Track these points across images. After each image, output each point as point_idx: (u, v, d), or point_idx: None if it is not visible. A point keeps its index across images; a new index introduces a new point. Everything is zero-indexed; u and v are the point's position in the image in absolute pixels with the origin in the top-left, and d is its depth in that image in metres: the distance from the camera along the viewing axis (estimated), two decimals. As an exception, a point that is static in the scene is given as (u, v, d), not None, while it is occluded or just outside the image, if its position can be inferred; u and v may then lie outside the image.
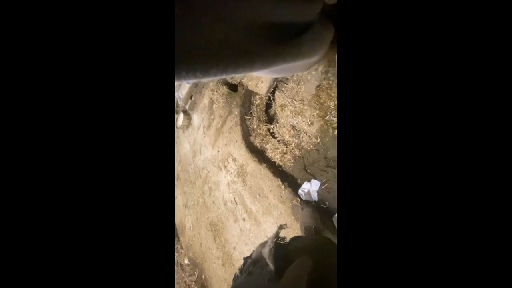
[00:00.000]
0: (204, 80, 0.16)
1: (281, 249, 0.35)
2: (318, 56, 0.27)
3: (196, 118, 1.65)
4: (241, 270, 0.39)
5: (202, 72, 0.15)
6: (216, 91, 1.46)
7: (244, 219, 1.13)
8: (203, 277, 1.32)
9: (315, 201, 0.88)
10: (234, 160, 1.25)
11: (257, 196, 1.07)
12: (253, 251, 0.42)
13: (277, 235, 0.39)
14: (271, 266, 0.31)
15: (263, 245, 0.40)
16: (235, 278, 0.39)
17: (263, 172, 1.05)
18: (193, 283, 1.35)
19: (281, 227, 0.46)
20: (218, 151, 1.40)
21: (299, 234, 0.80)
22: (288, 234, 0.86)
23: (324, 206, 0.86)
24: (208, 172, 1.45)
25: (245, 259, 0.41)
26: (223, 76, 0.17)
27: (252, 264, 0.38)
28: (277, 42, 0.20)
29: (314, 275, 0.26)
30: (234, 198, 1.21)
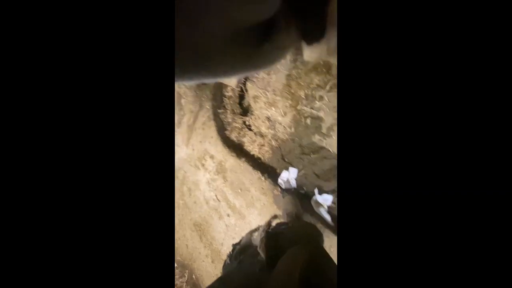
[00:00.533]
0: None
1: (273, 238, 0.35)
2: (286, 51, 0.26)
3: (163, 115, 1.50)
4: (230, 257, 0.39)
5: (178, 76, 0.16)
6: (183, 84, 1.34)
7: (228, 215, 1.13)
8: (193, 276, 1.31)
9: (294, 188, 0.93)
10: (212, 157, 1.21)
11: (239, 190, 1.07)
12: (242, 237, 0.42)
13: (268, 224, 0.40)
14: (263, 255, 0.32)
15: (252, 231, 0.40)
16: (225, 266, 0.39)
17: (242, 166, 1.04)
18: (185, 283, 1.33)
19: (275, 217, 0.47)
20: (193, 149, 1.33)
21: (283, 220, 0.84)
22: (274, 221, 0.90)
23: (303, 192, 0.91)
24: (185, 172, 1.38)
25: (234, 245, 0.41)
26: (194, 81, 0.18)
27: (242, 251, 0.38)
28: (249, 47, 0.20)
29: (307, 265, 0.27)
30: (216, 195, 1.18)
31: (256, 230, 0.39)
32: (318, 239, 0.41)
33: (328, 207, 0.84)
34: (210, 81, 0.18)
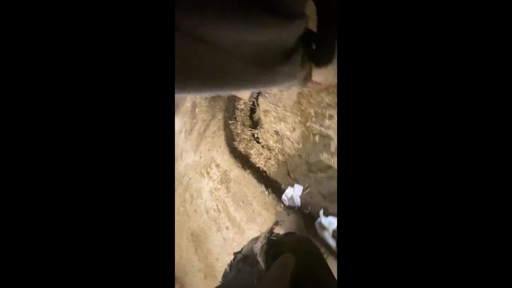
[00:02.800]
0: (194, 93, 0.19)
1: (273, 246, 0.34)
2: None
3: (177, 121, 1.57)
4: (230, 266, 0.37)
5: (194, 88, 0.18)
6: (199, 95, 1.42)
7: (227, 228, 1.09)
8: (183, 292, 1.24)
9: (298, 206, 0.89)
10: (217, 166, 1.21)
11: (241, 203, 1.04)
12: (244, 246, 0.40)
13: (271, 231, 0.39)
14: (262, 264, 0.30)
15: (254, 240, 0.39)
16: (225, 274, 0.37)
17: (247, 178, 1.03)
18: (173, 299, 1.25)
19: (277, 223, 0.45)
20: (201, 157, 1.35)
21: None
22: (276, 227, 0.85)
23: (307, 212, 0.87)
24: (190, 178, 1.39)
25: (235, 254, 0.40)
26: (211, 93, 0.21)
27: (242, 260, 0.37)
28: (263, 68, 0.22)
29: (297, 272, 0.26)
30: (217, 206, 1.16)
31: (258, 238, 0.38)
32: (309, 247, 0.39)
33: (333, 231, 0.78)
34: (225, 93, 0.22)
